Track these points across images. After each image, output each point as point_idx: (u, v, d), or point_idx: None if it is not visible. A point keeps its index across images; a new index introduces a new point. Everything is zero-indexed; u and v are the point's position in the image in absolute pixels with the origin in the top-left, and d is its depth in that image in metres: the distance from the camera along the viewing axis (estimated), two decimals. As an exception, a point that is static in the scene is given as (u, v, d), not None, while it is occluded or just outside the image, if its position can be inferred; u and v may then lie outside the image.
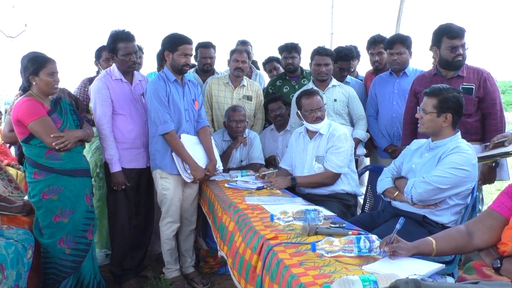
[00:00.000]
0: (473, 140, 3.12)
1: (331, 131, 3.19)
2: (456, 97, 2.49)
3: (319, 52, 3.78)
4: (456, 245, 1.81)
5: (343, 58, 4.10)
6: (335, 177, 3.15)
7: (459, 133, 2.55)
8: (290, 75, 4.36)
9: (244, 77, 4.13)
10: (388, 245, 1.69)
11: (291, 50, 4.28)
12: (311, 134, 3.28)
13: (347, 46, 4.31)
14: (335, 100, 3.80)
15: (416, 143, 2.79)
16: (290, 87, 4.32)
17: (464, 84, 3.10)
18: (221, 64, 5.33)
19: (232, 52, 4.10)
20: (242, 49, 4.14)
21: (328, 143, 3.17)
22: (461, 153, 2.41)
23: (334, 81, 3.87)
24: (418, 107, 2.64)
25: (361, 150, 3.88)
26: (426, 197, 2.44)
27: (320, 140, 3.22)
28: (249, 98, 4.09)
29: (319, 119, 3.18)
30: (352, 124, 3.90)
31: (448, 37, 3.07)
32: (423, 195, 2.42)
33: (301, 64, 4.41)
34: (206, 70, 4.27)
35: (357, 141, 3.77)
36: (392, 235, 1.72)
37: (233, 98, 4.06)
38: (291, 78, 4.36)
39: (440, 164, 2.45)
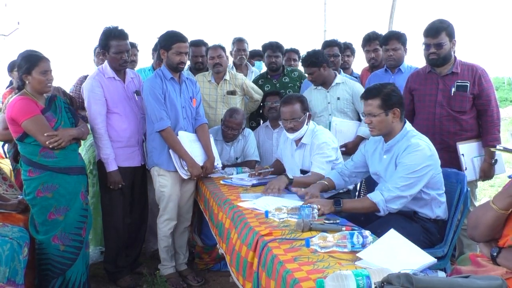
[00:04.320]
0: (469, 137, 3.15)
1: (312, 139, 3.14)
2: (395, 90, 2.52)
3: (302, 63, 3.74)
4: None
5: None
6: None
7: (406, 125, 2.55)
8: (272, 74, 4.38)
9: (228, 70, 4.11)
10: None
11: (276, 49, 4.30)
12: (297, 141, 3.24)
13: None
14: (338, 98, 3.77)
15: (372, 141, 2.78)
16: (271, 85, 4.33)
17: (459, 81, 3.11)
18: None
19: (207, 51, 4.10)
20: (215, 46, 4.09)
21: (311, 153, 3.14)
22: (414, 152, 2.41)
23: (338, 79, 3.82)
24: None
25: None
26: (405, 204, 2.46)
27: (305, 149, 3.18)
28: (232, 93, 4.07)
29: (292, 130, 3.12)
30: (359, 119, 3.84)
31: (424, 34, 3.13)
32: (402, 205, 2.44)
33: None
34: (198, 69, 4.26)
35: (360, 139, 3.73)
36: None
37: (217, 94, 4.05)
38: (273, 77, 4.37)
39: (399, 169, 2.43)
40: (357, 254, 1.69)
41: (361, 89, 3.81)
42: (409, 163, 2.40)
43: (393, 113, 2.49)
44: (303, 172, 3.15)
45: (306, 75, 3.79)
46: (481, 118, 3.15)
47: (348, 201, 2.53)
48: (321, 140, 3.09)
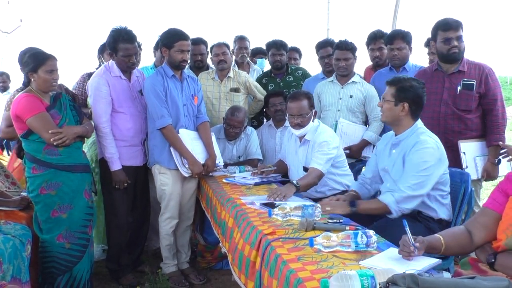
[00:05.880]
0: (474, 136, 3.14)
1: (315, 138, 3.12)
2: (414, 87, 2.49)
3: (339, 47, 3.73)
4: (461, 243, 1.81)
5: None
6: (322, 176, 3.07)
7: (417, 122, 2.55)
8: (276, 72, 4.37)
9: (232, 68, 4.12)
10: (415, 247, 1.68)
11: (280, 47, 4.27)
12: (300, 138, 3.23)
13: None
14: (350, 97, 3.74)
15: (384, 138, 2.79)
16: (275, 84, 4.32)
17: (465, 79, 3.09)
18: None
19: (211, 48, 4.10)
20: (220, 42, 4.11)
21: (313, 151, 3.12)
22: (422, 149, 2.40)
23: (356, 77, 3.80)
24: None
25: (368, 153, 3.81)
26: (417, 204, 2.45)
27: (308, 146, 3.17)
28: (236, 90, 4.06)
29: (298, 126, 3.10)
30: (365, 124, 3.84)
31: (442, 29, 3.08)
32: (414, 205, 2.43)
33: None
34: (198, 67, 4.26)
35: (365, 143, 3.71)
36: (410, 238, 1.70)
37: (220, 92, 4.05)
38: (276, 75, 4.36)
39: (408, 167, 2.41)
40: (360, 262, 1.66)
41: (375, 93, 3.78)
42: (418, 160, 2.38)
43: (402, 107, 2.48)
44: (306, 169, 3.13)
45: (338, 60, 3.70)
46: (486, 118, 3.13)
47: (362, 202, 2.51)
48: (322, 139, 3.08)
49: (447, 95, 3.12)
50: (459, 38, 3.05)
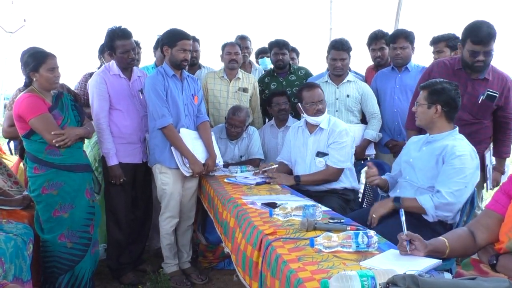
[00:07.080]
0: (481, 139, 3.11)
1: (332, 126, 3.19)
2: (445, 89, 2.47)
3: (335, 47, 3.73)
4: (465, 244, 1.81)
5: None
6: (339, 172, 3.15)
7: (457, 129, 2.53)
8: (278, 72, 4.37)
9: (239, 70, 4.13)
10: (408, 245, 1.69)
11: (282, 46, 4.28)
12: (311, 128, 3.27)
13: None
14: (347, 96, 3.76)
15: (414, 138, 2.79)
16: (277, 83, 4.32)
17: (489, 90, 2.97)
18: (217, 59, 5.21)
19: (224, 46, 4.11)
20: (233, 42, 4.15)
21: (329, 138, 3.17)
22: (464, 155, 2.38)
23: (350, 76, 3.83)
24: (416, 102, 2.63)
25: (371, 151, 3.82)
26: (454, 212, 2.45)
27: (321, 134, 3.22)
28: (244, 90, 4.08)
29: (320, 112, 3.17)
30: (363, 122, 3.86)
31: (472, 41, 2.86)
32: (451, 213, 2.42)
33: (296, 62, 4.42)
34: (191, 64, 4.26)
35: (367, 142, 3.73)
36: (405, 232, 1.72)
37: (229, 91, 4.06)
38: (279, 75, 4.36)
39: (450, 171, 2.38)
40: (361, 263, 1.66)
41: (370, 90, 3.79)
42: (460, 165, 2.37)
43: (435, 109, 2.48)
44: (321, 153, 3.19)
45: (334, 60, 3.73)
46: (500, 130, 3.13)
47: (406, 199, 2.50)
48: (341, 127, 3.19)
49: (467, 100, 2.95)
50: (487, 53, 2.88)
